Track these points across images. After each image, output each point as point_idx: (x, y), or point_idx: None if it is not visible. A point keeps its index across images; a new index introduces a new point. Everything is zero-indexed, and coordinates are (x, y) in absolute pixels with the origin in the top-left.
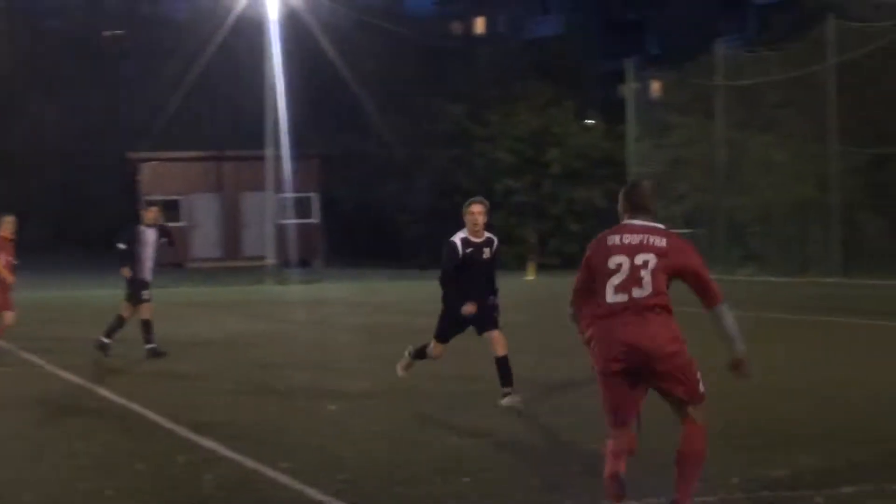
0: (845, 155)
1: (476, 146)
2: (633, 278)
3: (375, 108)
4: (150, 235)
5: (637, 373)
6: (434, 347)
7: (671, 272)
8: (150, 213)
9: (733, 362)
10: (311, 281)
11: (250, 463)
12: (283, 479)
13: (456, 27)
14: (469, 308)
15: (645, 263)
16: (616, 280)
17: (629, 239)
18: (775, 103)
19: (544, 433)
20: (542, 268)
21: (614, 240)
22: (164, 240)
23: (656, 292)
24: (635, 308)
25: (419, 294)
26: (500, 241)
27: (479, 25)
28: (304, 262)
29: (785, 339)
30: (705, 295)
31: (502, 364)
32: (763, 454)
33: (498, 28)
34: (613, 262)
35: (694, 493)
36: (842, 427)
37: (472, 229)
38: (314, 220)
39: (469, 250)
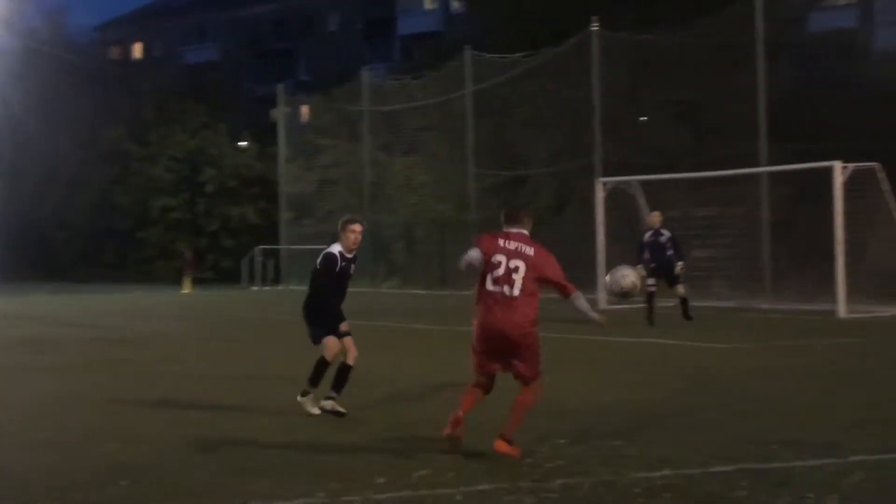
0: (482, 176)
1: (134, 165)
2: (507, 278)
3: (39, 128)
4: None
5: (498, 349)
6: (325, 349)
7: (536, 277)
8: None
9: (595, 327)
10: None
11: None
12: None
13: (115, 52)
14: (345, 327)
15: (516, 268)
16: (496, 273)
17: (510, 244)
18: (418, 127)
19: (200, 435)
20: (197, 281)
21: (500, 241)
22: None
23: (524, 293)
24: (506, 302)
25: (78, 306)
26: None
27: (137, 51)
28: None
29: (419, 347)
30: (562, 291)
31: (345, 371)
32: (404, 456)
33: (155, 53)
34: (496, 258)
35: (517, 428)
36: (474, 426)
37: (350, 246)
38: None
39: (343, 264)
